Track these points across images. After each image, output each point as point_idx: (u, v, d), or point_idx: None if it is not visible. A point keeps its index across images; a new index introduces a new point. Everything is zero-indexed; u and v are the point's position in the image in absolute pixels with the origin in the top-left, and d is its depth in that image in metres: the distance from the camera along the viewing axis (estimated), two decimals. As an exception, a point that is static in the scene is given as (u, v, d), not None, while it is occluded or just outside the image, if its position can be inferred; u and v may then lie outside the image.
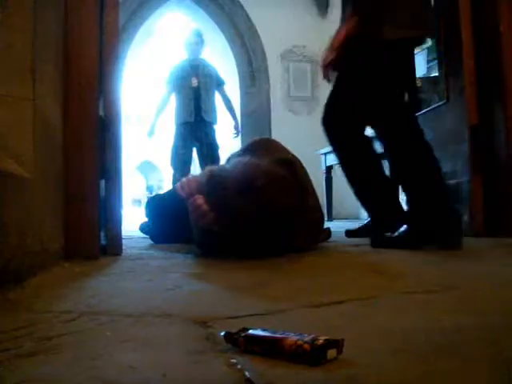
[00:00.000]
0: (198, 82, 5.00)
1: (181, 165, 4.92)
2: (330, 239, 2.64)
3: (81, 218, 1.84)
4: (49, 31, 1.69)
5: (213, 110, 5.11)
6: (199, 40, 5.16)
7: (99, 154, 1.96)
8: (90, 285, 1.32)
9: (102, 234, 1.97)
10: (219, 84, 5.25)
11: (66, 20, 1.92)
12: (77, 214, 1.84)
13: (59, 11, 1.87)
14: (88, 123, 1.91)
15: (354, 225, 3.08)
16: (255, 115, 7.01)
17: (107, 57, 2.08)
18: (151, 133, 5.29)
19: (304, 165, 2.21)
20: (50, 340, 0.74)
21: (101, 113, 2.02)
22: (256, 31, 7.07)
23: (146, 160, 21.21)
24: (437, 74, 3.72)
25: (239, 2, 6.99)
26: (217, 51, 7.27)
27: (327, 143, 2.55)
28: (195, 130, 4.99)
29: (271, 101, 7.10)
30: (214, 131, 5.13)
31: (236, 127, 5.53)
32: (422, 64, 4.44)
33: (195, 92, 4.99)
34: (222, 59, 7.26)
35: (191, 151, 5.13)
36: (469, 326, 0.80)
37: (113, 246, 1.97)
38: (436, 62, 3.94)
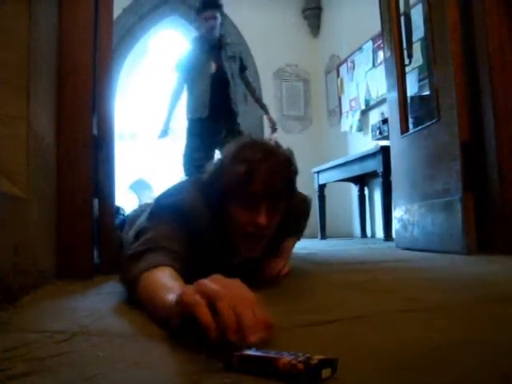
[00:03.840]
0: (220, 67, 4.16)
1: (196, 172, 3.77)
2: (321, 259, 2.63)
3: (74, 237, 1.83)
4: (43, 47, 1.69)
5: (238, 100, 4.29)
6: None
7: (92, 172, 1.96)
8: (83, 304, 1.31)
9: (96, 252, 1.96)
10: (242, 69, 4.41)
11: (61, 34, 1.93)
12: (70, 233, 1.83)
13: (54, 25, 1.88)
14: (81, 141, 1.91)
15: (346, 243, 3.08)
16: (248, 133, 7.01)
17: (101, 75, 2.09)
18: (165, 132, 4.34)
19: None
20: (43, 361, 0.73)
21: (94, 131, 2.02)
22: (249, 50, 7.13)
23: (140, 178, 21.04)
24: (428, 93, 3.77)
25: (232, 21, 7.06)
26: (210, 70, 7.30)
27: (321, 162, 2.54)
28: (224, 122, 4.14)
29: (264, 119, 7.13)
30: (239, 125, 4.27)
31: (271, 120, 4.68)
32: (414, 82, 4.50)
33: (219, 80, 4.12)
34: (215, 78, 7.30)
35: (210, 155, 4.01)
36: (462, 342, 0.80)
37: (106, 265, 1.96)
38: (427, 80, 4.00)
